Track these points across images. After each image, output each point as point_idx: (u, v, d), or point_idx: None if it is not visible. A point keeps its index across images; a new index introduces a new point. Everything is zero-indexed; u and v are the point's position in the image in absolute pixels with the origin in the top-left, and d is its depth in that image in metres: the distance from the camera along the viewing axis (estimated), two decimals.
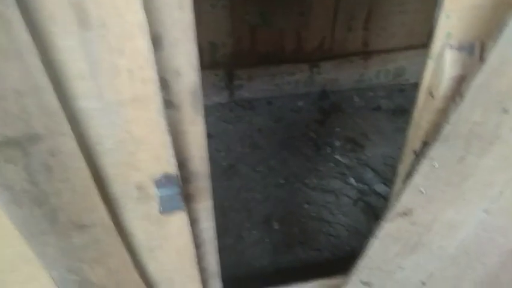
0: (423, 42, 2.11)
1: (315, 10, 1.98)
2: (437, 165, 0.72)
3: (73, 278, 0.75)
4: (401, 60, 2.23)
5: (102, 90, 0.52)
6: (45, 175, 0.58)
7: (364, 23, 2.09)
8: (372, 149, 2.00)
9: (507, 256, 0.96)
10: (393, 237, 0.93)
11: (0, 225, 0.64)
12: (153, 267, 0.84)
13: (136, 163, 0.63)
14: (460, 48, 0.62)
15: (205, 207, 0.78)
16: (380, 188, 1.83)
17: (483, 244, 0.94)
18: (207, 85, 2.09)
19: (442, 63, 0.63)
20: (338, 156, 1.96)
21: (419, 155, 0.75)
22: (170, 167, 0.64)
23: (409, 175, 0.78)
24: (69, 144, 0.55)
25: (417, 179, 0.76)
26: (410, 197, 0.81)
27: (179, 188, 0.66)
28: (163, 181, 0.65)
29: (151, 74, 0.52)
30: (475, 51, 0.61)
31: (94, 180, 0.61)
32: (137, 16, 0.47)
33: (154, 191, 0.67)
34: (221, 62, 2.06)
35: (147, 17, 0.47)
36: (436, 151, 0.70)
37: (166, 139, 0.60)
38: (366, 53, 2.20)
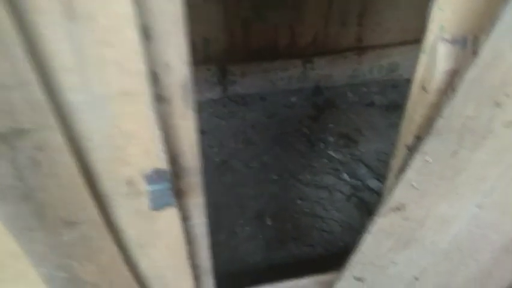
0: (417, 38, 2.11)
1: (308, 5, 1.97)
2: (430, 160, 0.72)
3: (62, 275, 0.74)
4: (395, 55, 2.23)
5: (90, 83, 0.51)
6: (32, 170, 0.57)
7: (358, 18, 2.09)
8: (365, 144, 2.00)
9: (499, 252, 0.96)
10: (386, 233, 0.93)
11: None
12: (144, 264, 0.83)
13: (125, 158, 0.62)
14: (453, 41, 0.61)
15: (197, 203, 0.78)
16: (373, 183, 1.83)
17: (476, 240, 0.94)
18: (199, 81, 2.08)
19: (435, 56, 0.63)
20: (331, 152, 1.96)
21: (411, 149, 0.75)
22: (161, 162, 0.63)
23: (402, 170, 0.77)
24: (56, 138, 0.53)
25: (410, 173, 0.76)
26: (402, 191, 0.81)
27: (170, 183, 0.66)
28: (153, 176, 0.65)
29: (140, 66, 0.51)
30: (468, 44, 0.61)
31: (83, 175, 0.60)
32: (125, 7, 0.46)
33: (144, 187, 0.66)
34: (214, 57, 2.05)
35: (136, 7, 0.46)
36: (429, 145, 0.70)
37: (156, 133, 0.59)
38: (360, 49, 2.20)
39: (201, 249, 0.88)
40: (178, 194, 0.73)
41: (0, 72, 0.46)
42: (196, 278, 0.95)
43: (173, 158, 0.67)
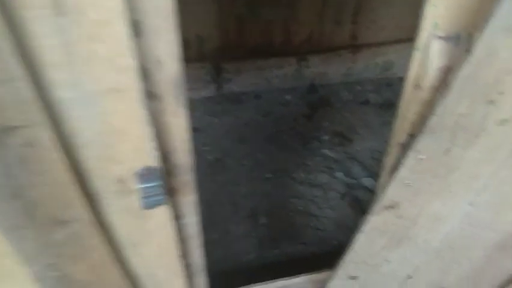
0: (412, 36, 2.11)
1: (303, 2, 1.97)
2: (423, 157, 0.72)
3: (52, 274, 0.73)
4: (390, 53, 2.23)
5: (79, 79, 0.50)
6: (21, 167, 0.56)
7: (353, 16, 2.09)
8: (360, 143, 2.00)
9: (492, 250, 0.96)
10: (380, 231, 0.92)
11: None
12: (136, 263, 0.82)
13: (116, 156, 0.61)
14: (447, 38, 0.61)
15: (189, 201, 0.77)
16: (367, 181, 1.83)
17: (468, 238, 0.94)
18: (194, 78, 2.07)
19: (429, 53, 0.62)
20: (325, 150, 1.96)
21: (405, 147, 0.75)
22: (152, 159, 0.62)
23: (395, 168, 0.77)
24: (45, 135, 0.53)
25: (403, 171, 0.76)
26: (396, 189, 0.80)
27: (162, 181, 0.65)
28: (144, 174, 0.64)
29: (130, 62, 0.50)
30: (462, 41, 0.60)
31: (73, 173, 0.59)
32: (115, 1, 0.45)
33: (135, 185, 0.65)
34: (208, 55, 2.04)
35: (125, 2, 0.46)
36: (422, 143, 0.69)
37: (147, 131, 0.59)
38: (354, 47, 2.20)
39: (193, 248, 0.88)
40: (170, 192, 0.73)
41: None
42: (189, 276, 0.94)
43: (165, 155, 0.66)
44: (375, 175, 1.84)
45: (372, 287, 1.13)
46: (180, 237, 0.82)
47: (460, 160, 0.73)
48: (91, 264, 0.75)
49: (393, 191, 0.81)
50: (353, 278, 1.11)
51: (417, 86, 0.67)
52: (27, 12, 0.44)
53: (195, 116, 2.05)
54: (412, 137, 0.72)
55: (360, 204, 1.74)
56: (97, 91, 0.52)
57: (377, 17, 2.11)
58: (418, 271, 1.06)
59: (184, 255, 0.87)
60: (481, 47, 0.55)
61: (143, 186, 0.64)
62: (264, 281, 1.25)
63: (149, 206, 0.67)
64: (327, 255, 1.53)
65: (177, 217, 0.78)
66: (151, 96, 0.57)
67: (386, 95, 2.26)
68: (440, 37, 0.61)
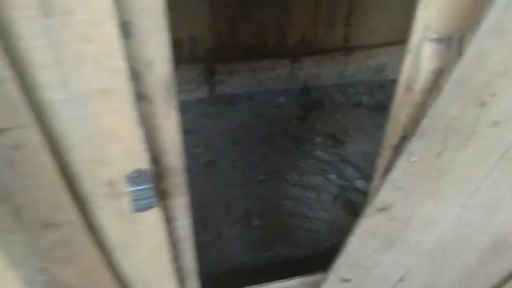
0: (405, 38, 2.12)
1: (296, 4, 1.97)
2: (415, 160, 0.72)
3: (42, 278, 0.72)
4: (383, 56, 2.24)
5: (67, 81, 0.49)
6: (9, 170, 0.55)
7: (345, 18, 2.09)
8: (352, 145, 2.01)
9: (484, 253, 0.97)
10: (372, 233, 0.92)
11: None
12: (127, 266, 0.82)
13: (106, 158, 0.60)
14: (439, 40, 0.61)
15: (180, 203, 0.76)
16: (360, 184, 1.83)
17: (460, 241, 0.94)
18: (186, 80, 2.06)
19: (421, 56, 0.62)
20: (318, 153, 1.96)
21: (397, 149, 0.75)
22: (143, 162, 0.62)
23: (387, 170, 0.77)
24: (33, 137, 0.52)
25: (396, 174, 0.76)
26: (388, 192, 0.80)
27: (153, 184, 0.64)
28: (135, 177, 0.63)
29: (119, 63, 0.49)
30: (454, 44, 0.61)
31: (62, 176, 0.58)
32: (104, 1, 0.44)
33: (126, 188, 0.64)
34: (201, 56, 2.04)
35: (115, 2, 0.45)
36: (414, 145, 0.69)
37: (137, 133, 0.58)
38: (347, 49, 2.20)
39: (185, 251, 0.87)
40: (162, 195, 0.72)
41: None
42: (180, 280, 0.93)
43: (156, 157, 0.65)
44: (367, 177, 1.84)
45: None
46: (172, 240, 0.81)
47: (452, 162, 0.73)
48: (81, 268, 0.74)
49: (385, 193, 0.81)
50: (346, 280, 1.11)
51: (409, 88, 0.67)
52: (15, 13, 0.44)
53: (188, 118, 2.04)
54: (404, 139, 0.72)
55: (353, 206, 1.74)
56: (87, 92, 0.51)
57: (369, 19, 2.12)
58: (410, 273, 1.06)
59: (176, 258, 0.86)
60: (472, 50, 0.55)
61: (134, 188, 0.63)
62: (257, 283, 1.24)
63: (140, 208, 0.67)
64: (320, 257, 1.53)
65: (168, 220, 0.77)
66: (141, 98, 0.57)
67: (378, 97, 2.26)
68: (432, 39, 0.61)
